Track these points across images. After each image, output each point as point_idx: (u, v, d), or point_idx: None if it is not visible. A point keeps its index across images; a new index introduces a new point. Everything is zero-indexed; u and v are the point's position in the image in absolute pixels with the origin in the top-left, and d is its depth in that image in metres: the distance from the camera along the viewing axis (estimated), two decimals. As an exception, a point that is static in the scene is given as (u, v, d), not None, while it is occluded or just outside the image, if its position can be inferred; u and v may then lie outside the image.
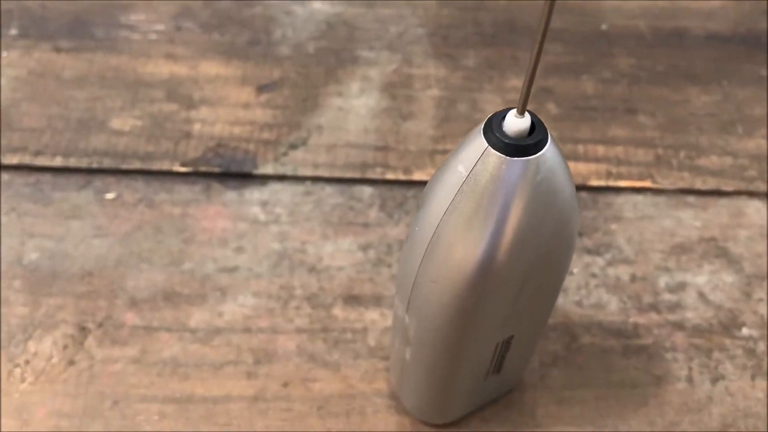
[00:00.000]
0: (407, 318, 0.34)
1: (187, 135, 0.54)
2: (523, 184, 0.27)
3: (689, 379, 0.44)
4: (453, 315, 0.31)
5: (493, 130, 0.26)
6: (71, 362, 0.43)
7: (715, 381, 0.44)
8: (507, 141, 0.26)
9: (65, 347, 0.44)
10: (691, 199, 0.52)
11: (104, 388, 0.42)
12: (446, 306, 0.31)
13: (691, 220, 0.51)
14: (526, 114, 0.26)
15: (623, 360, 0.44)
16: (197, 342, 0.44)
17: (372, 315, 0.46)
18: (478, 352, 0.35)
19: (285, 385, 0.43)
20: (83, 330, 0.44)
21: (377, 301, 0.46)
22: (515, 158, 0.26)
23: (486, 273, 0.29)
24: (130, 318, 0.45)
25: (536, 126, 0.27)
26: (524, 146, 0.26)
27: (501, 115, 0.27)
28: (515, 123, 0.26)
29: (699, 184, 0.53)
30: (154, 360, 0.43)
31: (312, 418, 0.41)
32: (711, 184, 0.53)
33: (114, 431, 0.41)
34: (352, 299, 0.46)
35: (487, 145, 0.26)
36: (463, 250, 0.29)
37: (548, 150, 0.27)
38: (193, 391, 0.42)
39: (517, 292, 0.31)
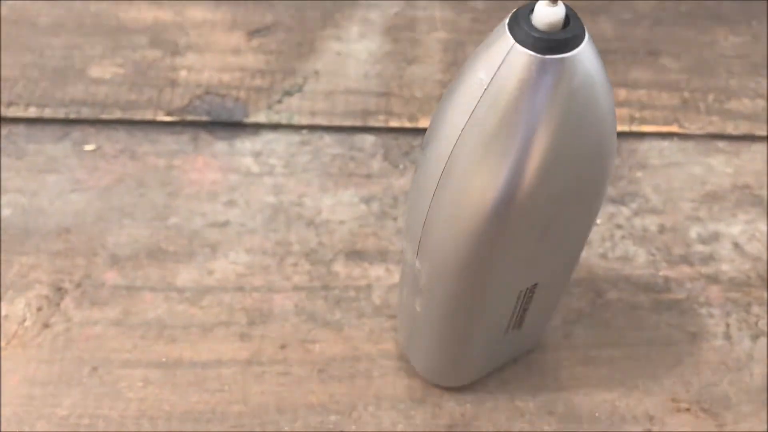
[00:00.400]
0: (418, 263, 0.30)
1: (173, 83, 0.50)
2: (558, 90, 0.22)
3: (727, 336, 0.40)
4: (471, 257, 0.27)
5: (520, 24, 0.22)
6: (46, 325, 0.39)
7: (755, 338, 0.40)
8: (537, 35, 0.22)
9: (39, 309, 0.40)
10: (721, 144, 0.48)
11: (82, 353, 0.38)
12: (463, 246, 0.27)
13: (722, 167, 0.47)
14: (559, 2, 0.22)
15: (654, 316, 0.40)
16: (185, 302, 0.40)
17: (377, 271, 0.42)
18: (499, 301, 0.31)
19: (282, 347, 0.39)
20: (59, 290, 0.40)
21: (382, 256, 0.42)
22: (548, 56, 0.22)
23: (510, 204, 0.25)
24: (111, 277, 0.41)
25: (571, 19, 0.22)
26: (559, 41, 0.22)
27: (529, 7, 0.22)
28: (547, 14, 0.22)
29: (730, 129, 0.49)
30: (138, 322, 0.39)
31: (312, 383, 0.37)
32: (743, 128, 0.49)
33: (93, 399, 0.37)
34: (355, 255, 0.42)
35: (513, 41, 0.22)
36: (483, 177, 0.25)
37: (586, 48, 0.22)
38: (181, 355, 0.38)
39: (545, 228, 0.27)
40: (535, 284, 0.31)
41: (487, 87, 0.23)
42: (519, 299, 0.31)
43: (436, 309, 0.31)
